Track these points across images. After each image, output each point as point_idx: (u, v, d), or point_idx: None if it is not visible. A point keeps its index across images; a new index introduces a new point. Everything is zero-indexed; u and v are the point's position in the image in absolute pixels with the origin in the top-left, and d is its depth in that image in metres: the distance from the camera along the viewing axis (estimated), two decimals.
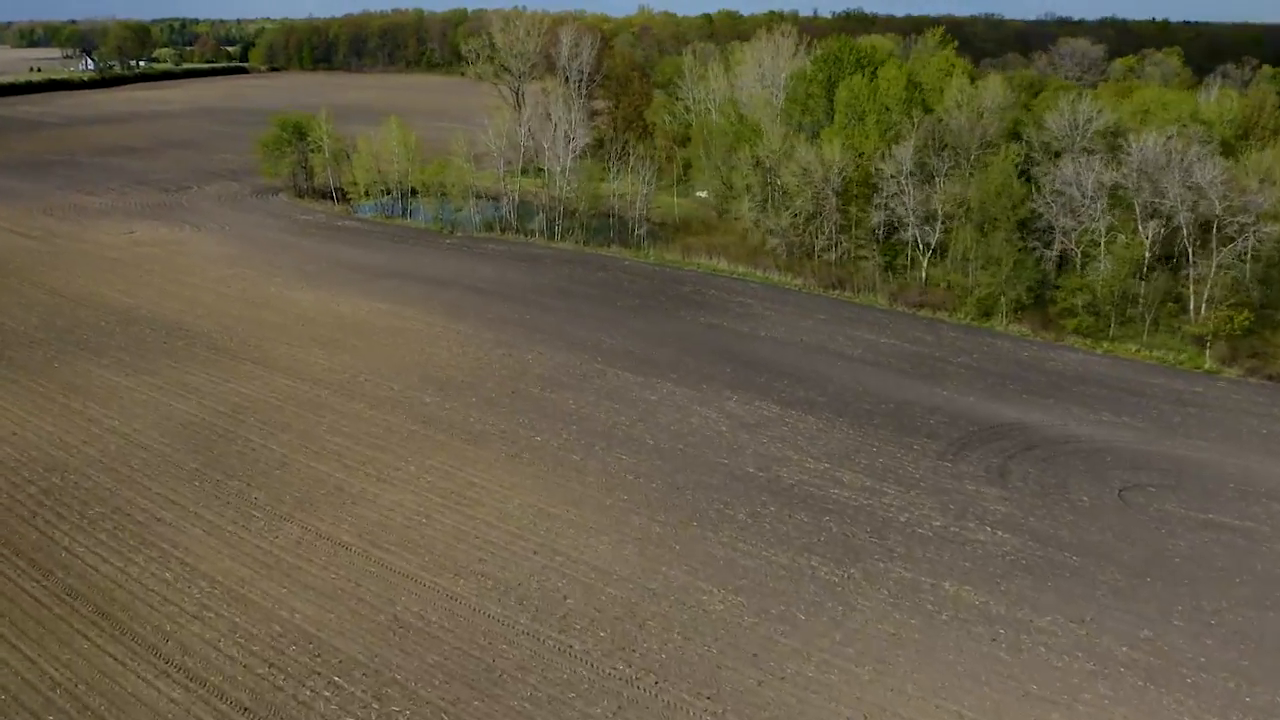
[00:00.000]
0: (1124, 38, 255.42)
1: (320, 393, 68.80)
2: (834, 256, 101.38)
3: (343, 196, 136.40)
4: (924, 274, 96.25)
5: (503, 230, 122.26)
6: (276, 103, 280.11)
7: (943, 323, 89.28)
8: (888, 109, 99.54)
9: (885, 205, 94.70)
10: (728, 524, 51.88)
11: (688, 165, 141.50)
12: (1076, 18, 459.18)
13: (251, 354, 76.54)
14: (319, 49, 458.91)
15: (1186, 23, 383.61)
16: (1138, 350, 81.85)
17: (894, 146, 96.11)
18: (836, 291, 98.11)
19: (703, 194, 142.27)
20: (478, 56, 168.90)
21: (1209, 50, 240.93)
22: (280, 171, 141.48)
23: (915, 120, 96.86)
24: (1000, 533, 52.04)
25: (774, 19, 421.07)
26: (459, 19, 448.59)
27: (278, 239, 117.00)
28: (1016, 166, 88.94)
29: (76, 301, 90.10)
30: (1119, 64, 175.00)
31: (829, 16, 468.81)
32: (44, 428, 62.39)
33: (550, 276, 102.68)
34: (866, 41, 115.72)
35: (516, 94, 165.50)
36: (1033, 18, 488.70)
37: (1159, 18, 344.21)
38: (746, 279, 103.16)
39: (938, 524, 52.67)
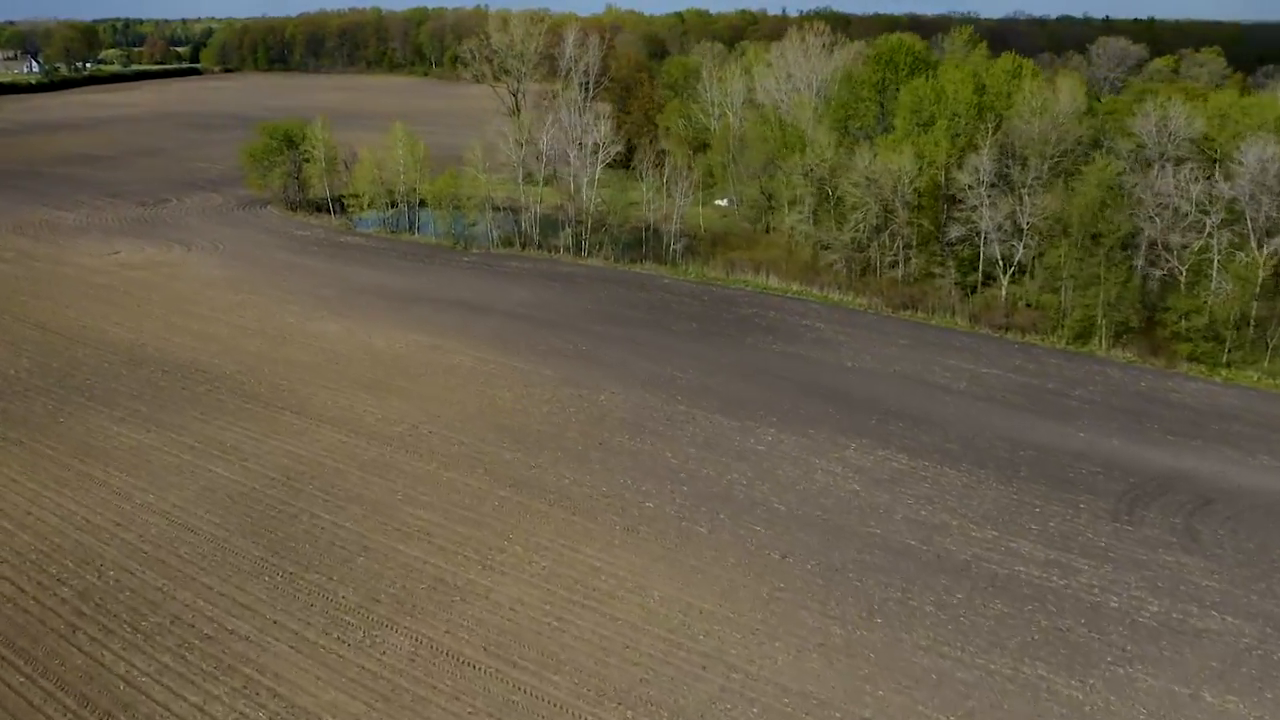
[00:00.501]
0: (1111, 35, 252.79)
1: (382, 450, 59.38)
2: (900, 274, 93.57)
3: (341, 209, 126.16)
4: (1003, 293, 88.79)
5: (523, 246, 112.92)
6: (239, 106, 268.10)
7: (1035, 347, 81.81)
8: (956, 115, 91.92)
9: (966, 219, 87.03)
10: (918, 620, 43.57)
11: (708, 173, 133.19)
12: (1054, 15, 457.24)
13: (288, 401, 66.80)
14: (274, 49, 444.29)
15: (1135, 19, 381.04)
16: (1259, 378, 74.98)
17: (968, 155, 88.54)
18: (908, 312, 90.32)
19: (722, 203, 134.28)
20: (474, 57, 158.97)
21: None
22: (271, 183, 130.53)
23: (989, 126, 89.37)
24: (1229, 618, 44.33)
25: (745, 18, 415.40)
26: (420, 18, 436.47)
27: (280, 259, 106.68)
28: (1117, 177, 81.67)
29: (70, 338, 79.50)
30: (1157, 64, 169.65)
31: (796, 16, 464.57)
32: (64, 505, 52.38)
33: (590, 298, 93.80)
34: (921, 44, 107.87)
35: (515, 96, 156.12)
36: (1001, 15, 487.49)
37: (1113, 16, 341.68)
38: (804, 298, 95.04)
39: (1155, 609, 44.81)
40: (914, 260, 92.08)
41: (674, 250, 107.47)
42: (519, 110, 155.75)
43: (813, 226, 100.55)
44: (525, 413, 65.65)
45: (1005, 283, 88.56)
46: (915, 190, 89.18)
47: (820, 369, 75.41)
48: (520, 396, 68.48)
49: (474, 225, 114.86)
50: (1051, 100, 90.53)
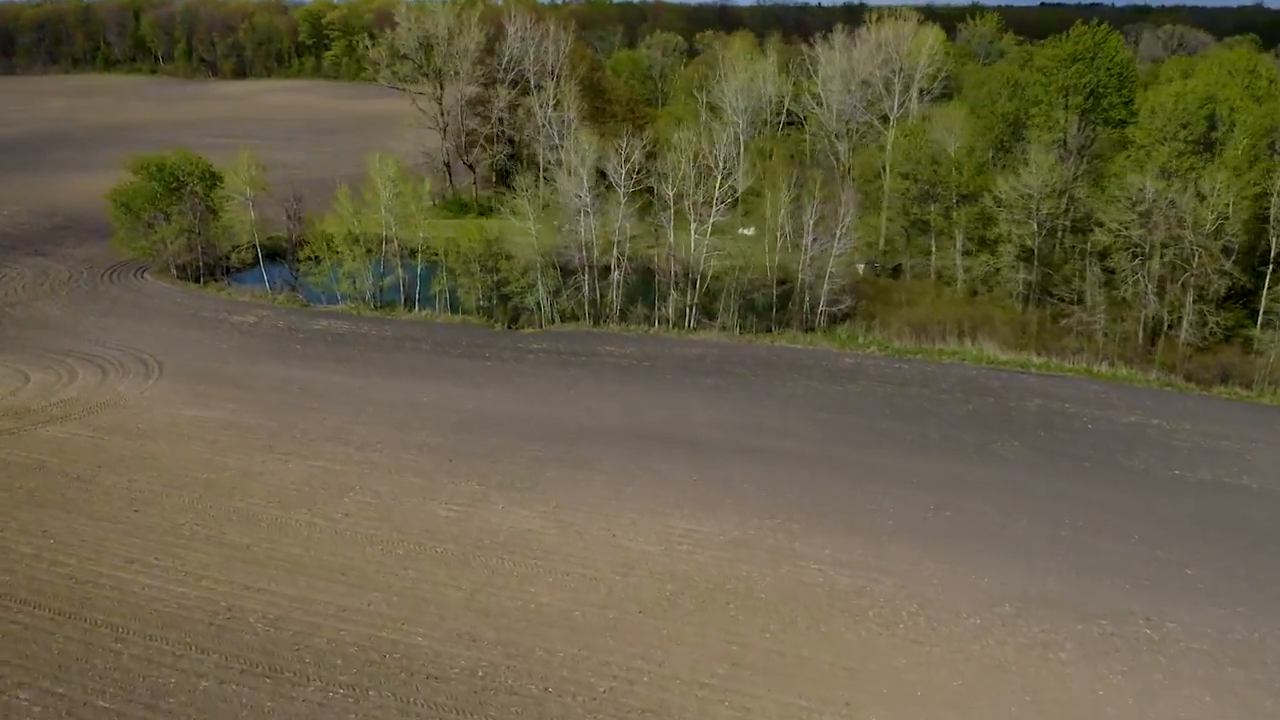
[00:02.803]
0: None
1: None
2: (1186, 335, 71.28)
3: (295, 272, 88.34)
4: None
5: (597, 319, 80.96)
6: None
7: None
8: (1256, 129, 70.53)
9: None
10: None
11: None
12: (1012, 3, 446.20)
13: None
14: None
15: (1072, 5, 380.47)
16: None
17: None
18: (1221, 388, 68.40)
19: (747, 231, 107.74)
20: (385, 54, 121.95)
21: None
22: (164, 243, 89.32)
23: None
24: None
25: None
26: (138, 6, 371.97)
27: (276, 375, 68.98)
28: None
29: (77, 616, 41.13)
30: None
31: (573, 4, 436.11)
32: None
33: (796, 404, 64.86)
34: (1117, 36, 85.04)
35: (440, 103, 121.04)
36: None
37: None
38: (1063, 374, 70.90)
39: None
40: (1211, 319, 69.87)
41: (821, 314, 79.77)
42: (446, 124, 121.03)
43: (1027, 272, 76.33)
44: (1092, 710, 36.84)
45: None
46: (1241, 228, 66.95)
47: None
48: (1022, 662, 39.36)
49: (523, 293, 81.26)
50: None
